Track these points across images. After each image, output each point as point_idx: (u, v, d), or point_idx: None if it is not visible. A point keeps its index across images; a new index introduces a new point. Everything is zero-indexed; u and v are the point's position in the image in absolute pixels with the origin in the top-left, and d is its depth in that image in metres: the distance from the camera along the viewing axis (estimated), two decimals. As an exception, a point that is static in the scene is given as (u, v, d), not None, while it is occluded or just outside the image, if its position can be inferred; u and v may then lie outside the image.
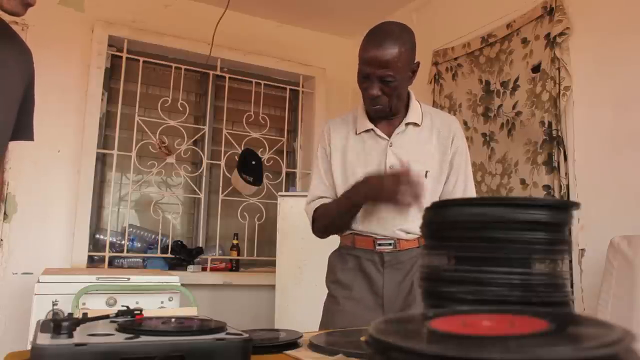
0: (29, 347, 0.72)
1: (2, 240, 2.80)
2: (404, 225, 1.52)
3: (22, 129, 1.27)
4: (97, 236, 3.21)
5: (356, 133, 1.62)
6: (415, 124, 1.58)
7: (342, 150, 1.63)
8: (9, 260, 2.80)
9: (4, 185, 1.37)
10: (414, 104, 1.61)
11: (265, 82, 3.77)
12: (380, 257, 1.53)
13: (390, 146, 1.56)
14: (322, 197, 1.63)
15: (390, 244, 1.52)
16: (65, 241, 2.96)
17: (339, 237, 1.65)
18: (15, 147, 2.62)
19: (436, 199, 1.54)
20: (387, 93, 1.49)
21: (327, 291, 1.65)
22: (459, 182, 1.58)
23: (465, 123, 2.84)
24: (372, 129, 1.59)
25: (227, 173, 3.55)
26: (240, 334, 0.80)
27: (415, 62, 1.54)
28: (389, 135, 1.57)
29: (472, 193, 1.62)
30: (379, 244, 1.52)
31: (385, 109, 1.53)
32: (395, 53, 1.44)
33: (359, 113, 1.63)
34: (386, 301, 1.52)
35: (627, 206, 2.04)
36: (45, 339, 0.69)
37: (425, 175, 1.54)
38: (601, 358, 0.31)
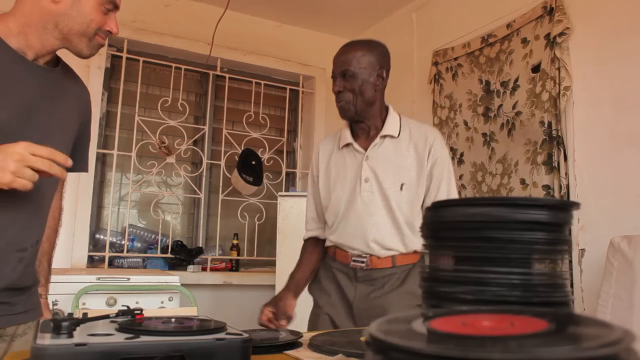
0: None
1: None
2: (377, 236, 1.55)
3: (78, 162, 1.36)
4: (97, 236, 3.21)
5: (339, 148, 1.68)
6: (392, 137, 1.61)
7: (326, 167, 1.70)
8: (9, 260, 2.80)
9: (62, 212, 1.48)
10: (392, 117, 1.64)
11: (265, 82, 3.77)
12: (354, 272, 1.58)
13: (366, 160, 1.60)
14: (311, 230, 1.76)
15: (363, 262, 1.56)
16: (65, 241, 2.96)
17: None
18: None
19: (415, 210, 1.57)
20: (349, 89, 1.55)
21: None
22: (441, 193, 1.59)
23: (465, 123, 2.84)
24: (350, 144, 1.64)
25: (227, 173, 3.55)
26: (240, 334, 0.80)
27: (382, 69, 1.59)
28: (366, 149, 1.61)
29: None
30: (354, 260, 1.58)
31: (349, 107, 1.57)
32: (358, 54, 1.56)
33: (343, 128, 1.70)
34: (356, 312, 1.57)
35: (627, 206, 2.04)
36: (45, 339, 0.69)
37: (401, 188, 1.56)
38: (601, 358, 0.31)
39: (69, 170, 1.34)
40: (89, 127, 1.42)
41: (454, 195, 1.62)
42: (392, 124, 1.62)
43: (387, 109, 1.66)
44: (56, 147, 1.21)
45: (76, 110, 1.32)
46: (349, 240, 1.58)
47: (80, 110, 1.34)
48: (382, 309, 1.51)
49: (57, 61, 1.29)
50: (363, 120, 1.61)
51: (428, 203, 1.58)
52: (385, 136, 1.61)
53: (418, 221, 1.58)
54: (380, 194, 1.56)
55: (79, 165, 1.39)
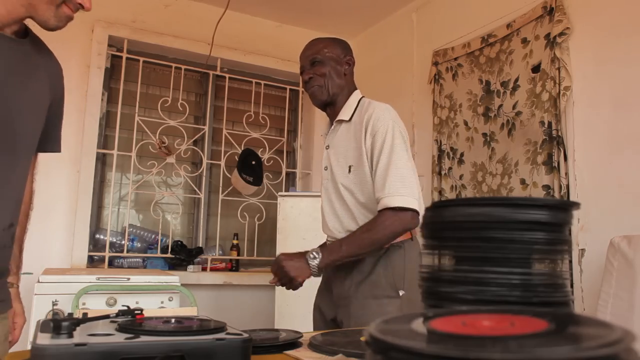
0: (29, 347, 0.72)
1: (2, 240, 2.80)
2: (336, 223, 1.63)
3: (50, 141, 1.29)
4: (97, 236, 3.21)
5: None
6: (344, 121, 1.63)
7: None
8: (9, 260, 2.80)
9: (34, 194, 1.38)
10: (350, 102, 1.65)
11: (265, 82, 3.77)
12: None
13: (327, 148, 1.67)
14: None
15: None
16: (65, 241, 2.96)
17: None
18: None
19: (366, 190, 1.55)
20: (319, 74, 1.62)
21: None
22: (380, 168, 1.49)
23: (465, 123, 2.84)
24: (325, 134, 1.72)
25: (227, 173, 3.55)
26: (240, 334, 0.80)
27: (347, 57, 1.67)
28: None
29: (394, 177, 1.47)
30: None
31: (322, 90, 1.62)
32: (323, 44, 1.66)
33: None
34: (335, 297, 1.62)
35: (627, 206, 2.04)
36: (45, 339, 0.69)
37: (349, 170, 1.58)
38: (601, 358, 0.31)
39: (40, 150, 1.26)
40: (62, 104, 1.31)
41: (397, 170, 1.46)
42: (347, 108, 1.64)
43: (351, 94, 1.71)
44: (26, 126, 1.13)
45: (47, 87, 1.21)
46: (325, 229, 1.68)
47: (52, 85, 1.24)
48: (348, 300, 1.56)
49: (25, 32, 1.18)
50: (334, 104, 1.65)
51: (373, 178, 1.51)
52: (340, 122, 1.64)
53: (373, 201, 1.52)
54: (332, 180, 1.62)
55: (52, 144, 1.30)
